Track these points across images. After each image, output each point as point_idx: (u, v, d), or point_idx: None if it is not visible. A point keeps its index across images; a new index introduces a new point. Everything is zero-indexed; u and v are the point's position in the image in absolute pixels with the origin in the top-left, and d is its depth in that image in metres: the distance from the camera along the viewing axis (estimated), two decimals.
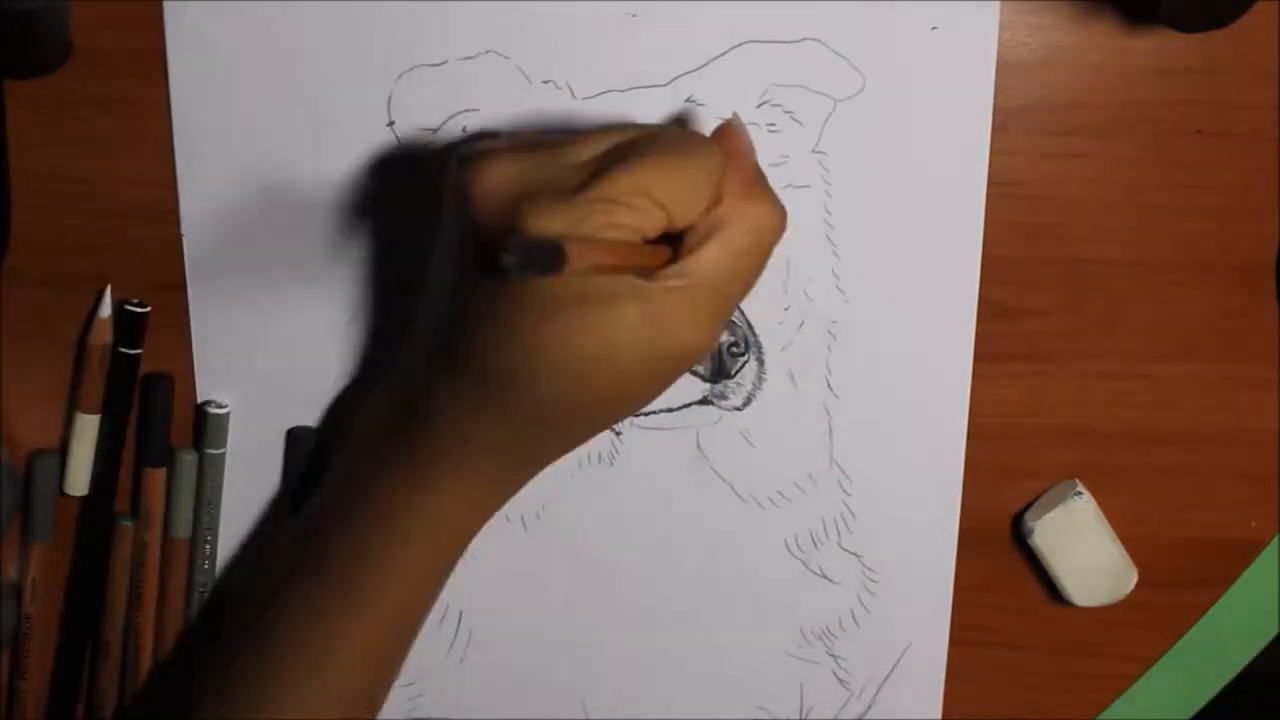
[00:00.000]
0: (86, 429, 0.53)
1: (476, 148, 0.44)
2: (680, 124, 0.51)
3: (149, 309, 0.52)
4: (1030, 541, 0.54)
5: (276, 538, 0.55)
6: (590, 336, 0.43)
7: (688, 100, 0.50)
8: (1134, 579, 0.55)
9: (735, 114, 0.46)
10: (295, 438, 0.54)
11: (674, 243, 0.43)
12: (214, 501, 0.54)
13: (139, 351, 0.53)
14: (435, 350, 0.47)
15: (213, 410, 0.53)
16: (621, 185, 0.42)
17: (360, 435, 0.50)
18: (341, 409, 0.54)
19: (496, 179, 0.43)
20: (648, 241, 0.43)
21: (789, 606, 0.56)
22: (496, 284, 0.43)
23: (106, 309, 0.52)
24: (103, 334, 0.52)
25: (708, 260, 0.43)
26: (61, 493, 0.54)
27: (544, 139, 0.45)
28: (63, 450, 0.54)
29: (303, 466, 0.54)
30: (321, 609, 0.48)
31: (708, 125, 0.50)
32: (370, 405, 0.50)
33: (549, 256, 0.37)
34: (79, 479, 0.54)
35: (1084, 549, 0.54)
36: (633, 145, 0.43)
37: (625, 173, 0.42)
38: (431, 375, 0.46)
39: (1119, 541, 0.55)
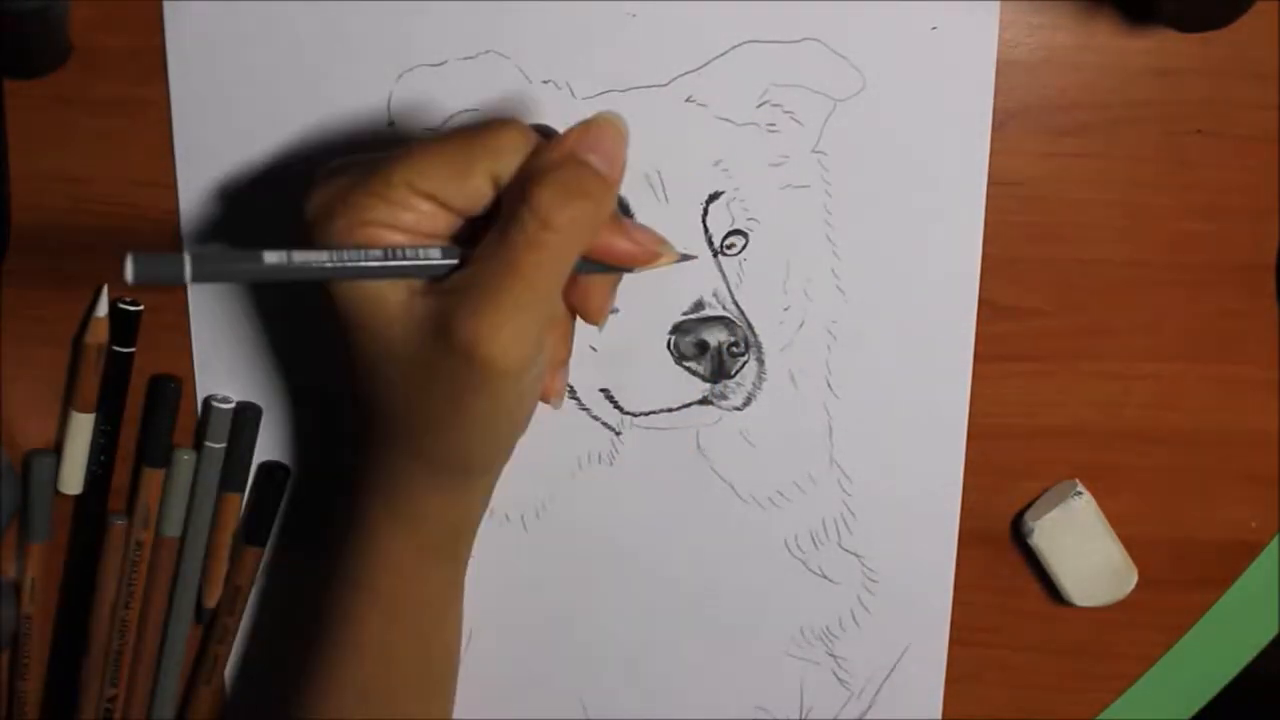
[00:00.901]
0: (81, 428, 0.53)
1: (329, 165, 0.45)
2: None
3: (142, 307, 0.52)
4: (1030, 542, 0.54)
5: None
6: (383, 348, 0.43)
7: (688, 100, 0.50)
8: (1134, 579, 0.55)
9: (610, 113, 0.43)
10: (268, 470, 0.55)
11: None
12: (208, 497, 0.54)
13: (132, 350, 0.53)
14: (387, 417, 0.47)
15: (217, 405, 0.53)
16: (390, 177, 0.42)
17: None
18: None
19: (322, 193, 0.43)
20: (440, 237, 0.43)
21: (789, 606, 0.56)
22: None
23: (103, 308, 0.52)
24: (99, 333, 0.52)
25: (490, 260, 0.41)
26: (56, 492, 0.54)
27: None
28: (58, 449, 0.54)
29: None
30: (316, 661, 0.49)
31: (708, 125, 0.50)
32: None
33: (171, 267, 0.38)
34: (74, 478, 0.54)
35: (1084, 549, 0.54)
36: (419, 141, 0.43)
37: (396, 163, 0.42)
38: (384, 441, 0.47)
39: (1119, 541, 0.55)
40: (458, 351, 0.41)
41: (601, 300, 0.46)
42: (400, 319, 0.42)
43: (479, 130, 0.42)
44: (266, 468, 0.55)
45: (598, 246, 0.44)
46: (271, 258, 0.40)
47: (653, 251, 0.45)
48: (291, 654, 0.51)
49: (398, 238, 0.42)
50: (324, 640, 0.49)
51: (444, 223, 0.43)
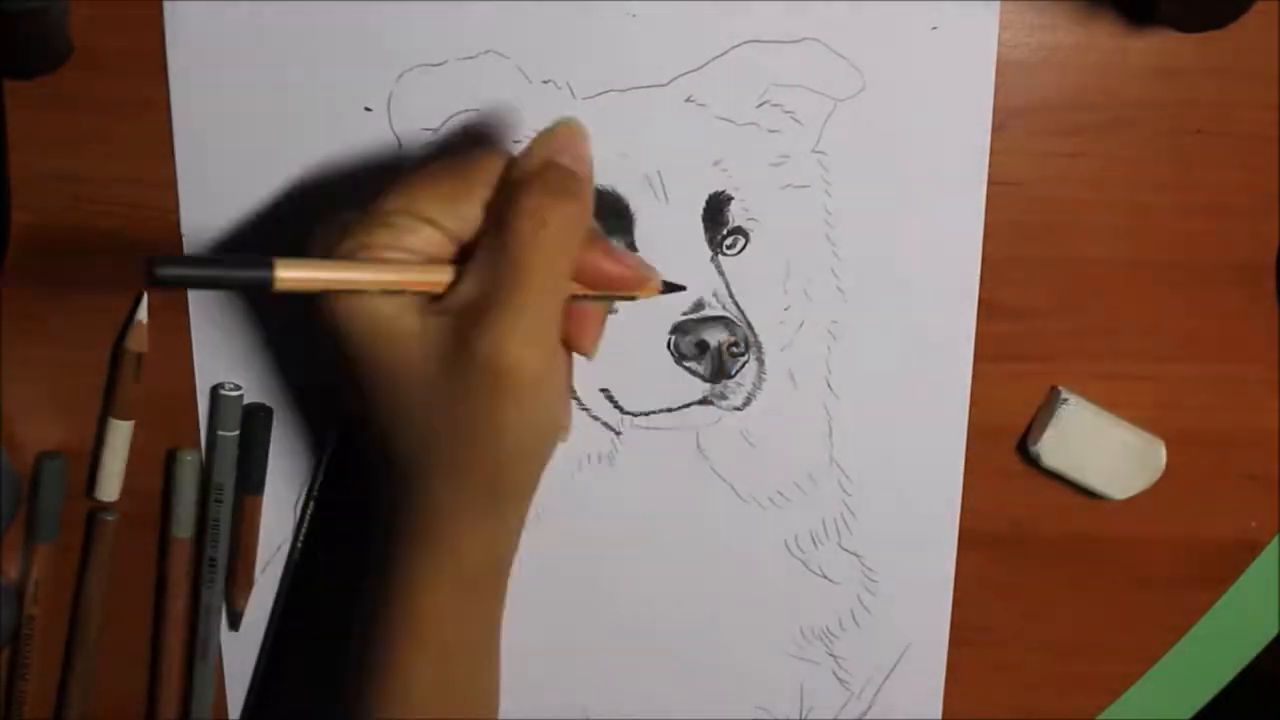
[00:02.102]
0: (119, 434, 0.53)
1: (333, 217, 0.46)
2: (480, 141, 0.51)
3: (240, 391, 0.54)
4: (1043, 466, 0.54)
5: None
6: (386, 369, 0.43)
7: (688, 100, 0.50)
8: (1162, 453, 0.53)
9: (568, 117, 0.45)
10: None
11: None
12: (224, 487, 0.54)
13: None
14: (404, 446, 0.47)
15: (225, 393, 0.53)
16: (388, 204, 0.43)
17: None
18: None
19: (325, 230, 0.44)
20: (440, 261, 0.43)
21: (789, 606, 0.56)
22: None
23: (143, 313, 0.52)
24: (139, 340, 0.52)
25: (472, 275, 0.43)
26: (92, 497, 0.54)
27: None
28: (95, 454, 0.54)
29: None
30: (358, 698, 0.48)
31: (708, 125, 0.50)
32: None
33: (251, 269, 0.39)
34: (110, 484, 0.54)
35: (1097, 447, 0.53)
36: (420, 167, 0.45)
37: (393, 191, 0.43)
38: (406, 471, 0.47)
39: (1129, 424, 0.54)
40: (479, 364, 0.42)
41: (592, 330, 0.47)
42: (415, 343, 0.43)
43: (471, 160, 0.44)
44: (249, 410, 0.54)
45: (586, 268, 0.45)
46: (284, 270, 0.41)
47: (640, 276, 0.46)
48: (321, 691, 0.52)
49: (399, 258, 0.43)
50: (370, 689, 0.48)
51: (440, 247, 0.44)
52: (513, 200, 0.42)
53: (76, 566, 0.55)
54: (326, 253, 0.44)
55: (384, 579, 0.47)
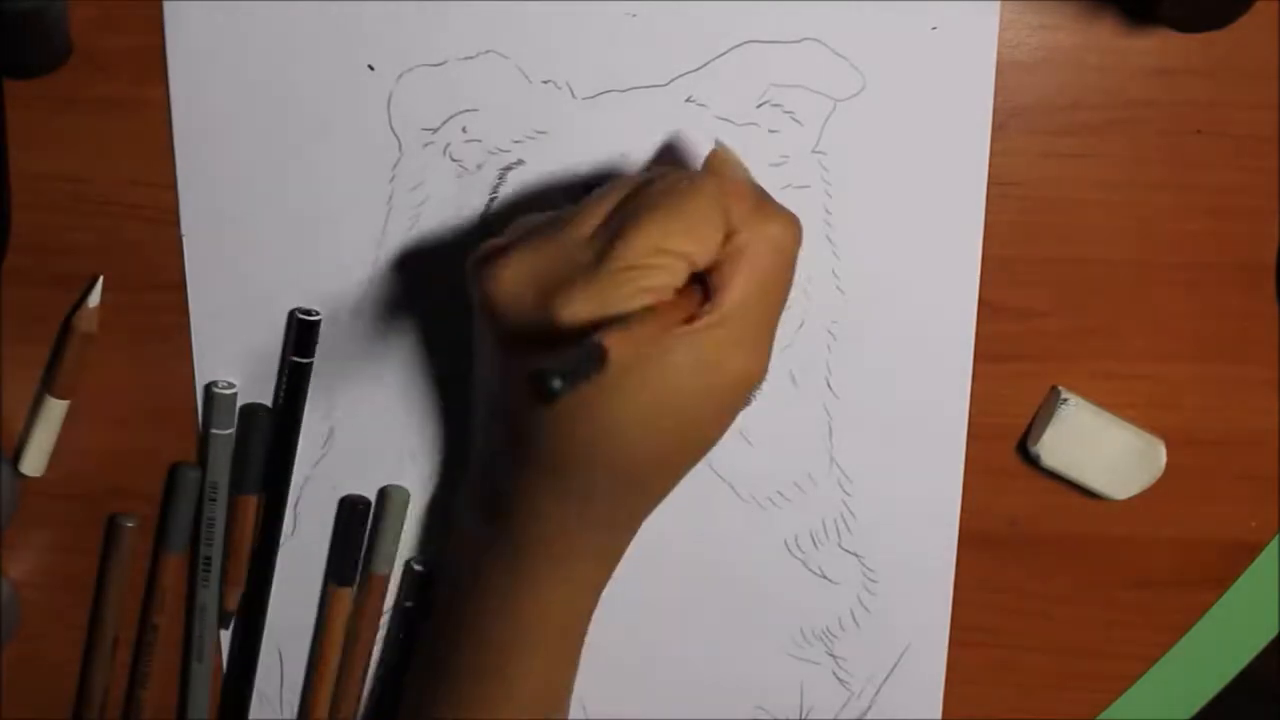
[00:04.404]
0: (54, 413, 0.53)
1: (485, 251, 0.45)
2: (671, 158, 0.51)
3: (320, 317, 0.53)
4: (1043, 466, 0.54)
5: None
6: (651, 396, 0.43)
7: (688, 100, 0.50)
8: (1162, 452, 0.54)
9: (719, 141, 0.47)
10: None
11: (703, 280, 0.44)
12: (219, 486, 0.54)
13: (311, 360, 0.53)
14: (507, 449, 0.47)
15: (219, 390, 0.53)
16: (637, 248, 0.43)
17: (459, 542, 0.51)
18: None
19: (513, 281, 0.44)
20: (680, 289, 0.43)
21: (789, 606, 0.56)
22: None
23: (96, 298, 0.52)
24: (89, 321, 0.52)
25: (738, 292, 0.44)
26: (18, 474, 0.54)
27: (546, 222, 0.45)
28: (26, 428, 0.54)
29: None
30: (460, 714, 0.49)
31: (708, 125, 0.50)
32: (461, 508, 0.51)
33: (591, 361, 0.38)
34: (37, 460, 0.54)
35: (1097, 446, 0.53)
36: (635, 203, 0.44)
37: (637, 234, 0.43)
38: (512, 475, 0.47)
39: (1130, 424, 0.54)
40: (731, 380, 0.44)
41: None
42: (663, 367, 0.43)
43: (692, 189, 0.44)
44: (245, 409, 0.54)
45: None
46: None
47: None
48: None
49: (648, 299, 0.43)
50: (462, 701, 0.49)
51: (684, 274, 0.44)
52: (760, 229, 0.44)
53: (96, 571, 0.56)
54: (507, 300, 0.44)
55: (506, 585, 0.48)
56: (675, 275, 0.43)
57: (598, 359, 0.38)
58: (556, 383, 0.36)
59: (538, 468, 0.46)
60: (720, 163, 0.47)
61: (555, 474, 0.46)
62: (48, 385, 0.53)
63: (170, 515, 0.55)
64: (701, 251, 0.43)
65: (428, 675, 0.51)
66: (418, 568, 0.55)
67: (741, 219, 0.44)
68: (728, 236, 0.44)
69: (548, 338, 0.42)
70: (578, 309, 0.42)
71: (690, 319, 0.43)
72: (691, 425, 0.45)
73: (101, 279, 0.52)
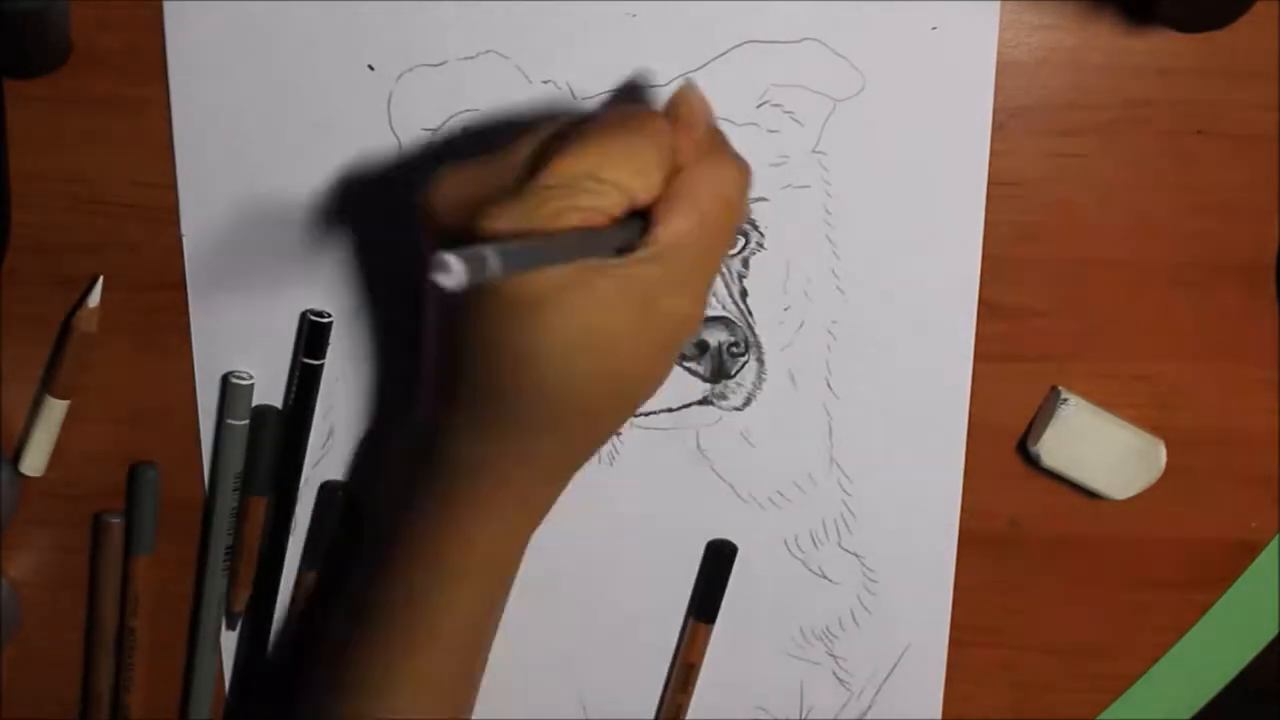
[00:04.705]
0: (54, 413, 0.53)
1: (436, 171, 0.45)
2: (632, 98, 0.50)
3: (332, 319, 0.53)
4: (1043, 466, 0.54)
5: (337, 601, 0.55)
6: (574, 324, 0.42)
7: None
8: (1162, 453, 0.54)
9: (689, 80, 0.46)
10: (325, 492, 0.55)
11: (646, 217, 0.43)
12: (228, 480, 0.54)
13: (322, 362, 0.53)
14: (435, 384, 0.47)
15: (235, 380, 0.53)
16: (567, 170, 0.42)
17: (388, 484, 0.50)
18: (370, 451, 0.54)
19: (451, 192, 0.44)
20: (615, 219, 0.42)
21: (789, 606, 0.56)
22: (474, 301, 0.43)
23: (96, 298, 0.52)
24: (88, 322, 0.52)
25: (675, 229, 0.43)
26: (18, 473, 0.54)
27: (497, 147, 0.45)
28: (26, 428, 0.54)
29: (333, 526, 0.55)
30: (382, 654, 0.48)
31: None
32: (394, 450, 0.50)
33: (487, 257, 0.36)
34: (38, 459, 0.54)
35: (1097, 447, 0.53)
36: (575, 130, 0.43)
37: (571, 157, 0.42)
38: (437, 411, 0.47)
39: (1130, 425, 0.54)
40: (665, 320, 0.44)
41: None
42: (594, 303, 0.42)
43: (639, 121, 0.44)
44: (255, 411, 0.54)
45: None
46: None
47: None
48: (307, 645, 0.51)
49: (574, 219, 0.42)
50: (387, 632, 0.48)
51: (620, 208, 0.43)
52: (707, 170, 0.44)
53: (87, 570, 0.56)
54: (441, 210, 0.43)
55: (427, 520, 0.47)
56: (607, 202, 0.42)
57: (496, 257, 0.36)
58: (452, 265, 0.34)
59: (460, 400, 0.45)
60: (680, 102, 0.45)
61: (476, 405, 0.45)
62: (48, 385, 0.53)
63: (135, 517, 0.55)
64: (641, 185, 0.43)
65: (353, 617, 0.50)
66: (339, 492, 0.55)
67: (689, 158, 0.44)
68: (673, 175, 0.43)
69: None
70: (498, 222, 0.41)
71: (627, 252, 0.42)
72: (620, 364, 0.44)
73: (102, 279, 0.52)
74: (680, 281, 0.44)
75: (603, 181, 0.42)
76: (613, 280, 0.42)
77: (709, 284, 0.45)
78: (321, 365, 0.53)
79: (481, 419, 0.45)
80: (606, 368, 0.43)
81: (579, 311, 0.42)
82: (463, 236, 0.42)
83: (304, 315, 0.52)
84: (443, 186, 0.44)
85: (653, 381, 0.46)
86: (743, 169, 0.45)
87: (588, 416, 0.46)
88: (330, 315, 0.52)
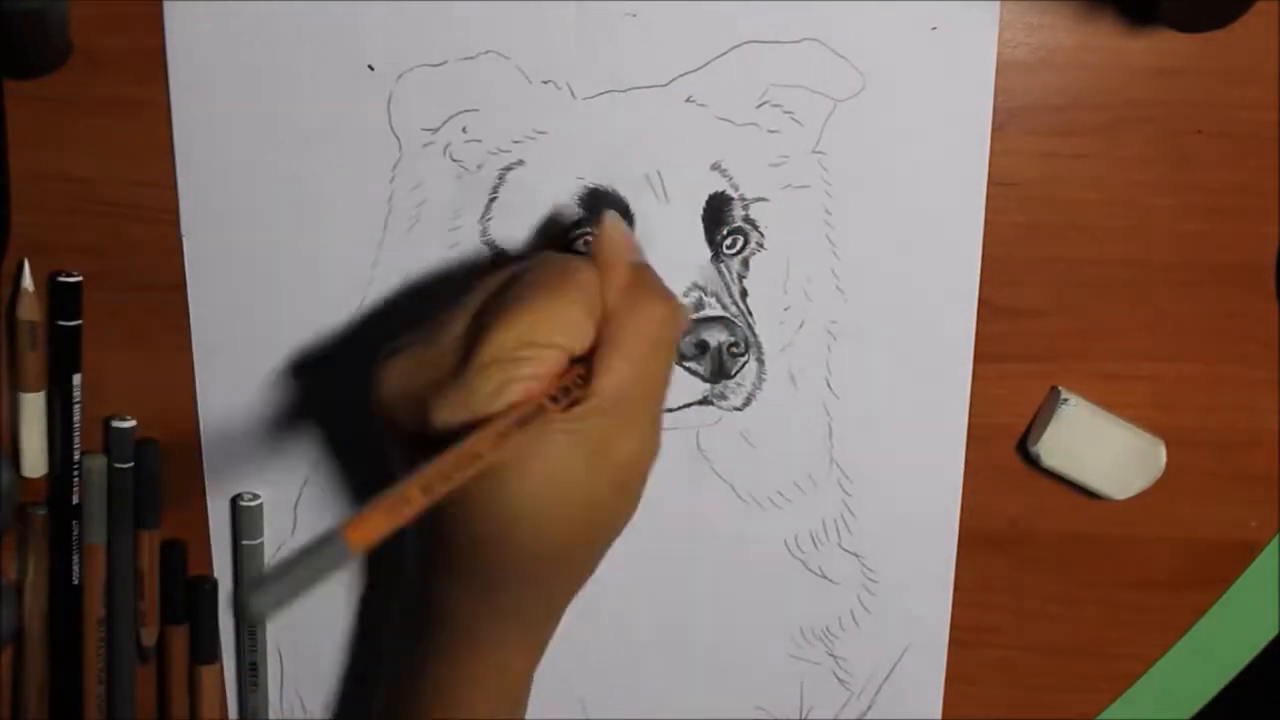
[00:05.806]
0: (33, 407, 0.53)
1: (381, 355, 0.45)
2: (553, 237, 0.51)
3: (80, 278, 0.52)
4: (1043, 466, 0.54)
5: None
6: (538, 488, 0.43)
7: (688, 100, 0.50)
8: (1162, 453, 0.54)
9: (610, 214, 0.47)
10: None
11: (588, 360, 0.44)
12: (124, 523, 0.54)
13: (79, 323, 0.52)
14: (416, 546, 0.47)
15: (245, 503, 0.54)
16: (501, 343, 0.42)
17: (390, 652, 0.50)
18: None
19: (396, 385, 0.44)
20: (558, 375, 0.43)
21: (789, 606, 0.56)
22: None
23: (28, 281, 0.52)
24: (30, 308, 0.52)
25: (615, 376, 0.43)
26: (20, 476, 0.54)
27: (431, 324, 0.45)
28: (13, 433, 0.53)
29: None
30: None
31: (708, 125, 0.50)
32: (394, 618, 0.51)
33: (327, 558, 0.36)
34: (35, 460, 0.54)
35: (1097, 447, 0.53)
36: (503, 297, 0.44)
37: (500, 329, 0.43)
38: (423, 582, 0.47)
39: (1130, 424, 0.54)
40: (621, 467, 0.44)
41: None
42: (548, 459, 0.43)
43: (565, 277, 0.44)
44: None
45: None
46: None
47: None
48: None
49: (516, 392, 0.42)
50: None
51: (560, 365, 0.43)
52: (635, 314, 0.44)
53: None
54: (389, 403, 0.44)
55: (405, 690, 0.48)
56: (545, 366, 0.43)
57: (337, 555, 0.36)
58: (255, 603, 0.34)
59: (442, 565, 0.46)
60: (603, 243, 0.45)
61: (459, 569, 0.45)
62: (15, 382, 0.53)
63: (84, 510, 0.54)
64: (575, 339, 0.43)
65: None
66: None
67: (618, 300, 0.44)
68: (605, 319, 0.44)
69: (436, 439, 0.42)
70: (446, 415, 0.42)
71: (572, 405, 0.43)
72: (590, 511, 0.44)
73: (26, 261, 0.52)
74: (628, 424, 0.44)
75: (537, 346, 0.43)
76: (565, 437, 0.43)
77: (657, 417, 0.46)
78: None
79: (465, 582, 0.46)
80: (573, 515, 0.44)
81: (540, 474, 0.43)
82: (420, 429, 0.43)
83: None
84: (389, 378, 0.44)
85: (621, 516, 0.46)
86: (669, 304, 0.46)
87: (566, 562, 0.46)
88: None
